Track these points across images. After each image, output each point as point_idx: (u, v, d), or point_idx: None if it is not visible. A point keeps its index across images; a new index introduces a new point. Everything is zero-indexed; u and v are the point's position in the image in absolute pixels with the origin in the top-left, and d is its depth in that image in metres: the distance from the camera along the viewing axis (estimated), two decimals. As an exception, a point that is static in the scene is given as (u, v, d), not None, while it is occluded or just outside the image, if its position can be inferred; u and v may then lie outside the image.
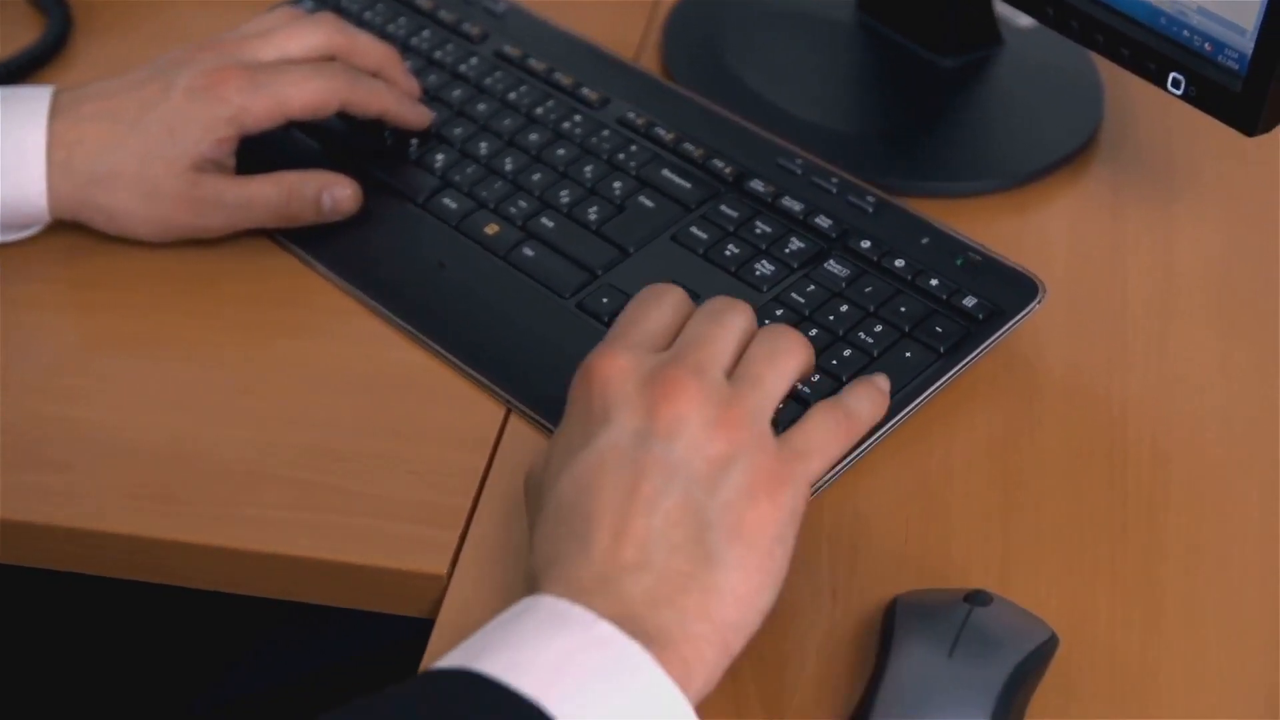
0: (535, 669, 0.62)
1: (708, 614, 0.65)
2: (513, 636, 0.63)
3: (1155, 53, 0.84)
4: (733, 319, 0.72)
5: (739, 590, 0.66)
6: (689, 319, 0.73)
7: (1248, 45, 0.80)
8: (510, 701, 0.61)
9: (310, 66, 0.89)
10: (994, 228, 0.91)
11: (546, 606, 0.64)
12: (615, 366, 0.69)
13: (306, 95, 0.88)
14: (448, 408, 0.82)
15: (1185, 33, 0.83)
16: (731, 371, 0.71)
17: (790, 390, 0.72)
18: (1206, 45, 0.82)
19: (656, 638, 0.63)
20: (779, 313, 0.83)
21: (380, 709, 0.63)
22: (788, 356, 0.71)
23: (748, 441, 0.68)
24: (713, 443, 0.67)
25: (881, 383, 0.76)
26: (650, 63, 1.02)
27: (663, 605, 0.64)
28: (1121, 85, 0.98)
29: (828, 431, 0.71)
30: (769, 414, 0.70)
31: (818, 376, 0.79)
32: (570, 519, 0.67)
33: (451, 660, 0.64)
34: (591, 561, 0.65)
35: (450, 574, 0.76)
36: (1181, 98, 0.84)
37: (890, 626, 0.70)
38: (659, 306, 0.74)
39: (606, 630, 0.63)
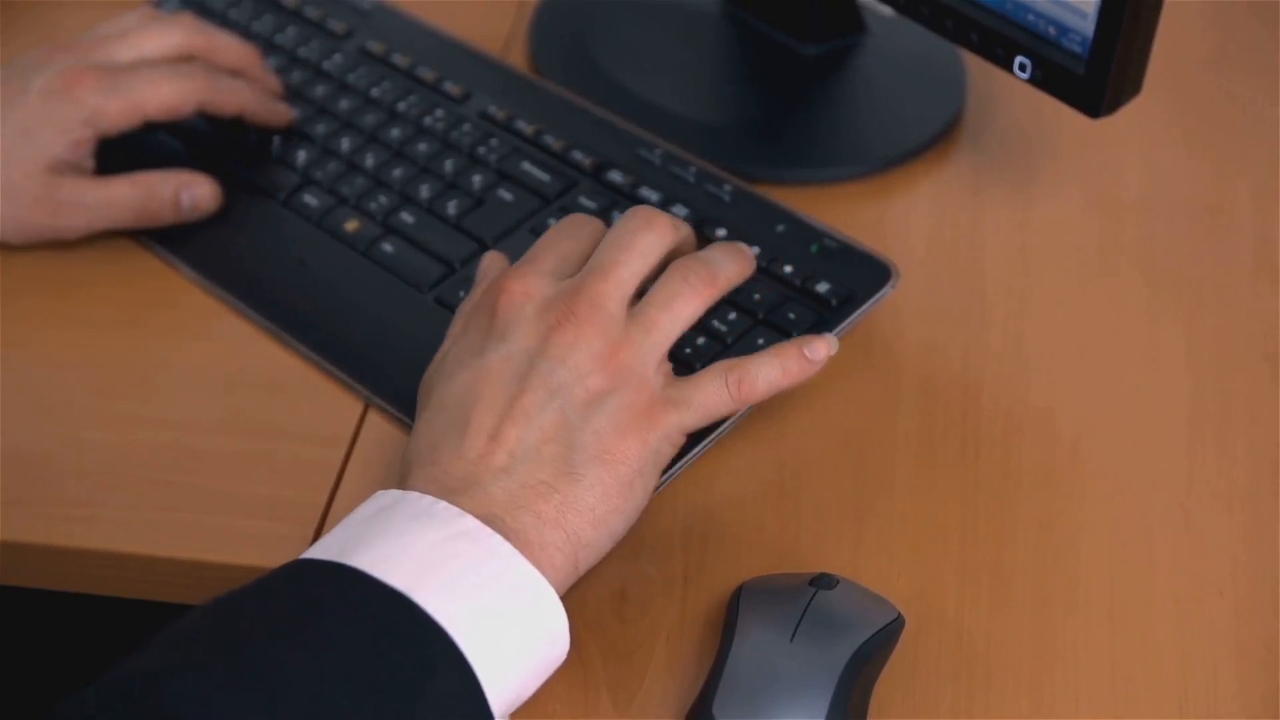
0: (404, 563, 0.65)
1: (563, 524, 0.69)
2: (382, 532, 0.66)
3: (1002, 37, 0.85)
4: (645, 241, 0.75)
5: (596, 509, 0.69)
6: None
7: (1089, 28, 0.81)
8: (382, 594, 0.64)
9: (167, 67, 0.89)
10: (856, 214, 0.92)
11: (412, 502, 0.67)
12: (521, 289, 0.73)
13: (163, 96, 0.88)
14: (307, 404, 0.82)
15: (1030, 17, 0.84)
16: (635, 300, 0.74)
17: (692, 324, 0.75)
18: (1051, 29, 0.83)
19: (513, 539, 0.67)
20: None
21: (255, 601, 0.65)
22: (687, 301, 0.74)
23: (629, 381, 0.72)
24: (595, 375, 0.71)
25: (787, 353, 0.76)
26: (517, 57, 1.02)
27: (522, 509, 0.68)
28: (984, 72, 0.99)
29: (715, 391, 0.74)
30: (656, 358, 0.73)
31: (673, 365, 0.79)
32: (454, 413, 0.71)
33: (321, 553, 0.66)
34: (463, 458, 0.69)
35: (305, 570, 0.76)
36: (1029, 82, 0.85)
37: (735, 612, 0.70)
38: (576, 234, 0.77)
39: (471, 524, 0.66)
